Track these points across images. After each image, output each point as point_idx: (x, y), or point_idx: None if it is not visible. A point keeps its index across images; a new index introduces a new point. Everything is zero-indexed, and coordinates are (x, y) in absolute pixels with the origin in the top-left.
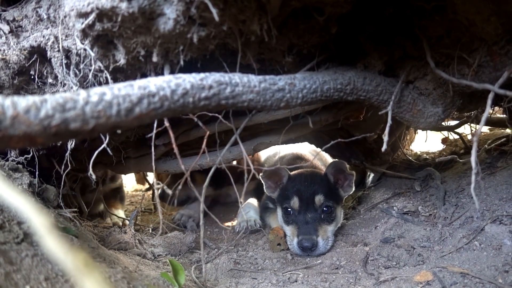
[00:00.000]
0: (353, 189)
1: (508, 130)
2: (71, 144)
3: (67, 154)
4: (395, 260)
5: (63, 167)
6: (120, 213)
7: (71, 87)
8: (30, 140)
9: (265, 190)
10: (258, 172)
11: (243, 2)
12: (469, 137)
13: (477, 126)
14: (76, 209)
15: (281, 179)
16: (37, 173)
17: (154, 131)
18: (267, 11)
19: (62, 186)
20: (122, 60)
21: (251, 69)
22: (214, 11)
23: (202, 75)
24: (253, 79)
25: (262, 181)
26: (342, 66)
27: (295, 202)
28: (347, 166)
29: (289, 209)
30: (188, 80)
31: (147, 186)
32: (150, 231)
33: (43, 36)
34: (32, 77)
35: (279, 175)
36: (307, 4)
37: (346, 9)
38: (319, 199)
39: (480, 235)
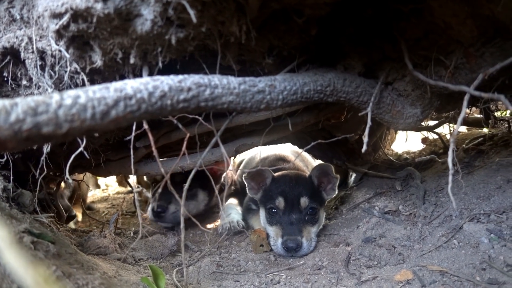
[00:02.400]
0: (336, 192)
1: (485, 130)
2: (47, 148)
3: (43, 157)
4: (377, 259)
5: (39, 170)
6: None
7: (46, 89)
8: (0, 145)
9: (247, 191)
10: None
11: (221, 3)
12: (448, 136)
13: (455, 126)
14: (53, 214)
15: (264, 180)
16: (11, 177)
17: (133, 134)
18: (246, 13)
19: (38, 191)
20: (99, 62)
21: (231, 70)
22: (191, 12)
23: (180, 77)
24: (233, 81)
25: (245, 182)
26: (322, 68)
27: (280, 202)
28: (333, 169)
29: (273, 209)
30: (166, 82)
31: (128, 188)
32: (132, 235)
33: (17, 37)
34: (6, 79)
35: (263, 176)
36: (286, 6)
37: (325, 11)
38: (304, 201)
39: (458, 233)
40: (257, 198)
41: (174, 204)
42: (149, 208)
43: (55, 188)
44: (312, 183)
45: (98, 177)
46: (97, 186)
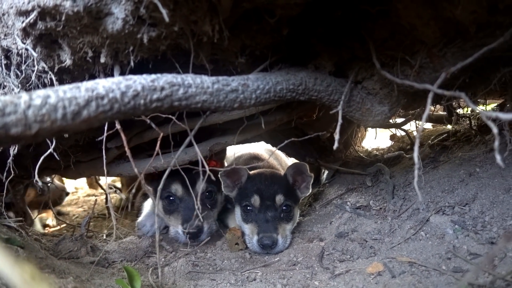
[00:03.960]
0: (310, 191)
1: (448, 126)
2: (13, 150)
3: (10, 160)
4: (349, 253)
5: (5, 174)
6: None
7: (12, 89)
8: None
9: (223, 189)
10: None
11: (194, 3)
12: (415, 133)
13: (420, 123)
14: (21, 218)
15: (239, 178)
16: None
17: (105, 134)
18: (219, 12)
19: (4, 194)
20: (68, 61)
21: (204, 69)
22: (164, 11)
23: (153, 76)
24: (206, 80)
25: (221, 180)
26: (294, 67)
27: (255, 200)
28: (308, 168)
29: (249, 207)
30: (139, 81)
31: (100, 190)
32: (104, 237)
33: None
34: None
35: (238, 174)
36: (258, 6)
37: (296, 11)
38: (279, 198)
39: (425, 226)
40: (232, 196)
41: (206, 220)
42: (176, 230)
43: (22, 192)
44: (287, 181)
45: (64, 180)
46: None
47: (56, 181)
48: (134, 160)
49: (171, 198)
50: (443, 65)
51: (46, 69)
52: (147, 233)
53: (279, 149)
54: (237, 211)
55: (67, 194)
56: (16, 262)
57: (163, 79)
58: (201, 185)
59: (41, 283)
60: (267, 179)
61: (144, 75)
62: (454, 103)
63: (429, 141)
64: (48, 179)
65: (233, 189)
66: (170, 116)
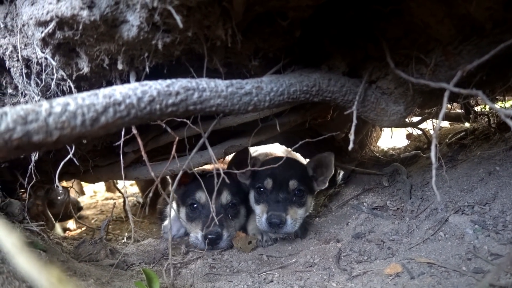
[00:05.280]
0: (326, 185)
1: (466, 125)
2: (35, 156)
3: (31, 166)
4: (367, 254)
5: (27, 179)
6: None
7: (33, 97)
8: None
9: (238, 178)
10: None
11: (207, 8)
12: (432, 132)
13: (437, 121)
14: (43, 223)
15: (253, 166)
16: None
17: (122, 139)
18: (231, 16)
19: (27, 199)
20: (85, 68)
21: (218, 73)
22: (177, 17)
23: (168, 81)
24: (220, 84)
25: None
26: (307, 69)
27: (268, 182)
28: (333, 159)
29: (261, 188)
30: (154, 87)
31: (118, 194)
32: (125, 239)
33: (1, 46)
34: None
35: (253, 164)
36: (270, 9)
37: (308, 13)
38: (293, 183)
39: (444, 226)
40: (248, 183)
41: (226, 228)
42: (196, 235)
43: (44, 196)
44: (305, 171)
45: (83, 184)
46: (82, 192)
47: (72, 194)
48: (151, 164)
49: (194, 205)
50: (459, 63)
51: (65, 77)
52: (173, 236)
53: (294, 151)
54: (251, 195)
55: (80, 208)
56: (43, 265)
57: (178, 84)
58: (222, 192)
59: (68, 286)
60: (282, 164)
61: (159, 81)
62: (471, 101)
63: (447, 140)
64: (61, 189)
65: (248, 177)
66: (185, 120)
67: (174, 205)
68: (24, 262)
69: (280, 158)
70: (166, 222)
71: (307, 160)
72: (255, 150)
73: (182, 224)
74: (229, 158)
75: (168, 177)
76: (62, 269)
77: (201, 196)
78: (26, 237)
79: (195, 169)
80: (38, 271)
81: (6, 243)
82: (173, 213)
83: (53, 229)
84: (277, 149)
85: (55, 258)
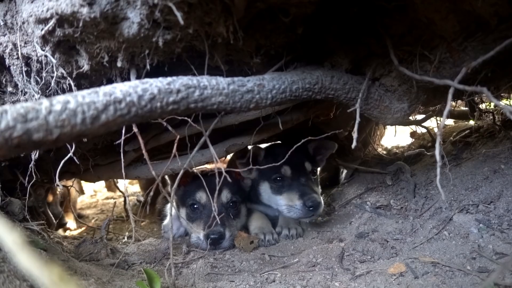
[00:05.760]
0: (324, 163)
1: (471, 122)
2: (35, 154)
3: (31, 164)
4: (370, 254)
5: (27, 178)
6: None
7: (33, 96)
8: None
9: (242, 174)
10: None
11: (208, 5)
12: (436, 130)
13: (441, 119)
14: (43, 222)
15: (256, 158)
16: None
17: (123, 137)
18: (233, 13)
19: (27, 198)
20: (85, 66)
21: (219, 70)
22: (178, 14)
23: (169, 79)
24: (222, 81)
25: (238, 166)
26: (310, 66)
27: (286, 170)
28: (335, 146)
29: (279, 177)
30: (155, 84)
31: (118, 193)
32: (125, 239)
33: (1, 44)
34: None
35: (254, 154)
36: (272, 6)
37: (311, 9)
38: (307, 165)
39: (448, 225)
40: (253, 177)
41: (228, 227)
42: (197, 236)
43: (43, 195)
44: (308, 151)
45: (82, 183)
46: (82, 192)
47: (59, 207)
48: (152, 163)
49: (195, 206)
50: (464, 59)
51: (65, 75)
52: (174, 235)
53: None
54: (264, 187)
55: (63, 224)
56: (45, 264)
57: (179, 81)
58: (222, 191)
59: (69, 284)
60: (289, 148)
61: (160, 78)
62: (476, 98)
63: (451, 138)
64: (61, 188)
65: (251, 170)
66: (186, 118)
67: (174, 205)
68: (26, 260)
69: (280, 144)
70: (166, 221)
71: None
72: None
73: (183, 225)
74: (229, 158)
75: (166, 177)
76: (63, 268)
77: (202, 196)
78: (27, 236)
79: (193, 168)
80: (40, 269)
81: (7, 241)
82: (173, 212)
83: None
84: None
85: (56, 257)
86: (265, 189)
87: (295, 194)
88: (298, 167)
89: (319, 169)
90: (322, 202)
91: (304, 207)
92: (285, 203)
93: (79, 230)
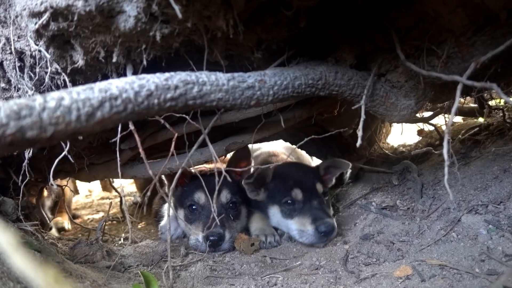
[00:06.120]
0: (333, 183)
1: (480, 120)
2: (28, 153)
3: (25, 163)
4: (375, 256)
5: (20, 177)
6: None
7: (26, 92)
8: None
9: (248, 195)
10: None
11: None
12: (444, 127)
13: (450, 116)
14: (37, 222)
15: (263, 178)
16: None
17: (119, 135)
18: (233, 6)
19: (21, 198)
20: (80, 61)
21: (219, 66)
22: (176, 7)
23: (167, 74)
24: (221, 77)
25: (245, 187)
26: (313, 61)
27: (297, 193)
28: (350, 166)
29: (289, 201)
30: (152, 80)
31: (114, 193)
32: (122, 241)
33: None
34: None
35: (262, 174)
36: None
37: (314, 2)
38: (319, 187)
39: (457, 226)
40: (260, 199)
41: (228, 229)
42: (196, 237)
43: (37, 195)
44: (318, 172)
45: (77, 182)
46: (76, 191)
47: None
48: (149, 162)
49: (193, 207)
50: (473, 54)
51: (59, 70)
52: (172, 236)
53: (299, 148)
54: (274, 210)
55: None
56: (39, 266)
57: (177, 77)
58: (222, 191)
59: (64, 286)
60: (299, 170)
61: (158, 74)
62: (485, 95)
63: (460, 136)
64: (56, 187)
65: (258, 192)
66: (184, 115)
67: (172, 205)
68: (20, 261)
69: (289, 163)
70: (163, 223)
71: (313, 158)
72: (258, 148)
73: (181, 226)
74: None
75: (163, 176)
76: (57, 270)
77: (200, 196)
78: (21, 237)
79: (191, 168)
80: (34, 270)
81: (1, 242)
82: (170, 213)
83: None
84: (279, 146)
85: (50, 259)
86: (274, 212)
87: (308, 218)
88: (310, 190)
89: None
90: (336, 225)
91: (316, 232)
92: (297, 228)
93: (74, 231)
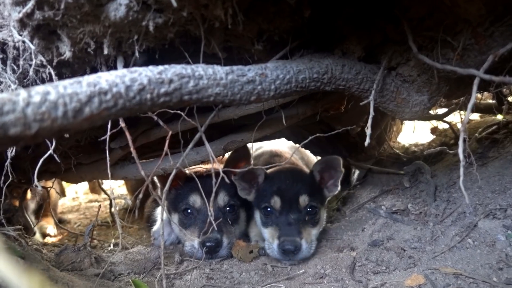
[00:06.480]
0: (339, 188)
1: (499, 117)
2: (11, 152)
3: (7, 163)
4: (385, 264)
5: (2, 178)
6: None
7: (9, 86)
8: None
9: (239, 193)
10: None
11: None
12: (459, 125)
13: (466, 113)
14: (20, 227)
15: (256, 178)
16: None
17: (108, 133)
18: None
19: (3, 200)
20: (67, 53)
21: (217, 58)
22: None
23: (160, 67)
24: (219, 71)
25: (235, 183)
26: (318, 53)
27: (276, 202)
28: (341, 162)
29: (268, 209)
30: (144, 74)
31: (103, 195)
32: (111, 247)
33: None
34: None
35: (254, 174)
36: None
37: None
38: (303, 199)
39: (473, 231)
40: (250, 199)
41: (226, 234)
42: (192, 244)
43: (20, 197)
44: (313, 179)
45: (64, 184)
46: (63, 194)
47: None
48: (141, 162)
49: (188, 211)
50: (491, 46)
51: (45, 62)
52: (165, 242)
53: (303, 147)
54: (257, 215)
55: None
56: (24, 271)
57: (171, 70)
58: (219, 194)
59: None
60: (288, 177)
61: (150, 67)
62: (504, 90)
63: (476, 134)
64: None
65: (250, 191)
66: (179, 111)
67: (165, 209)
68: (3, 267)
69: (285, 168)
70: (156, 227)
71: (318, 158)
72: (259, 147)
73: (175, 232)
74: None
75: (155, 178)
76: (43, 278)
77: (195, 199)
78: (2, 242)
79: (185, 169)
80: (19, 277)
81: None
82: (165, 216)
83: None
84: (284, 146)
85: (35, 266)
86: (257, 217)
87: (276, 231)
88: (291, 201)
89: (328, 196)
90: (305, 247)
91: (279, 249)
92: (267, 238)
93: (60, 237)
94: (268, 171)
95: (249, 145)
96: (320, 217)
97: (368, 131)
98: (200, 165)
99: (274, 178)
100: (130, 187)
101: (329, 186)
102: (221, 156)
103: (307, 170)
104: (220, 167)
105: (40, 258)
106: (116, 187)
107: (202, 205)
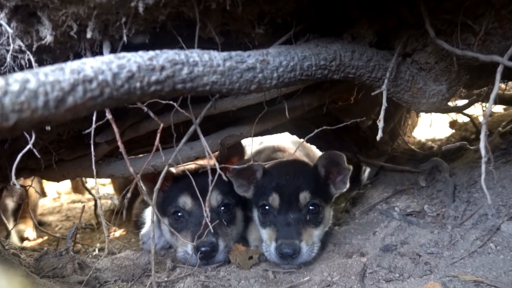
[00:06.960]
0: (347, 186)
1: None
2: None
3: None
4: (398, 271)
5: None
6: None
7: None
8: None
9: (236, 190)
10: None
11: None
12: (481, 118)
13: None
14: None
15: (253, 174)
16: None
17: (93, 126)
18: None
19: None
20: (48, 37)
21: (213, 43)
22: None
23: (151, 53)
24: (216, 57)
25: (232, 180)
26: (326, 38)
27: (274, 199)
28: (344, 158)
29: (266, 207)
30: (134, 60)
31: (87, 195)
32: (96, 251)
33: None
34: None
35: (251, 169)
36: None
37: None
38: (304, 196)
39: (495, 235)
40: (248, 196)
41: (222, 236)
42: (185, 249)
43: None
44: (317, 174)
45: (44, 183)
46: (43, 194)
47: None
48: (129, 158)
49: (179, 214)
50: None
51: (23, 48)
52: (156, 246)
53: (308, 141)
54: (255, 214)
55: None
56: (5, 273)
57: (163, 56)
58: (211, 193)
59: None
60: (288, 172)
61: (140, 52)
62: None
63: (500, 129)
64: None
65: (248, 188)
66: (171, 102)
67: (156, 211)
68: None
69: (286, 161)
70: (145, 230)
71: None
72: (260, 142)
73: (166, 238)
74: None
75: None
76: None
77: (186, 201)
78: None
79: (171, 168)
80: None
81: None
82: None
83: (8, 238)
84: (287, 140)
85: (12, 273)
86: (255, 217)
87: (274, 232)
88: (290, 198)
89: (335, 194)
90: (306, 250)
91: (276, 252)
92: (265, 240)
93: (40, 240)
94: (268, 165)
95: (249, 139)
96: (323, 216)
97: (380, 124)
98: (194, 162)
99: (273, 173)
100: (117, 186)
101: (337, 182)
102: (219, 152)
103: (311, 164)
104: (213, 163)
105: (18, 263)
106: (102, 186)
107: (194, 206)
